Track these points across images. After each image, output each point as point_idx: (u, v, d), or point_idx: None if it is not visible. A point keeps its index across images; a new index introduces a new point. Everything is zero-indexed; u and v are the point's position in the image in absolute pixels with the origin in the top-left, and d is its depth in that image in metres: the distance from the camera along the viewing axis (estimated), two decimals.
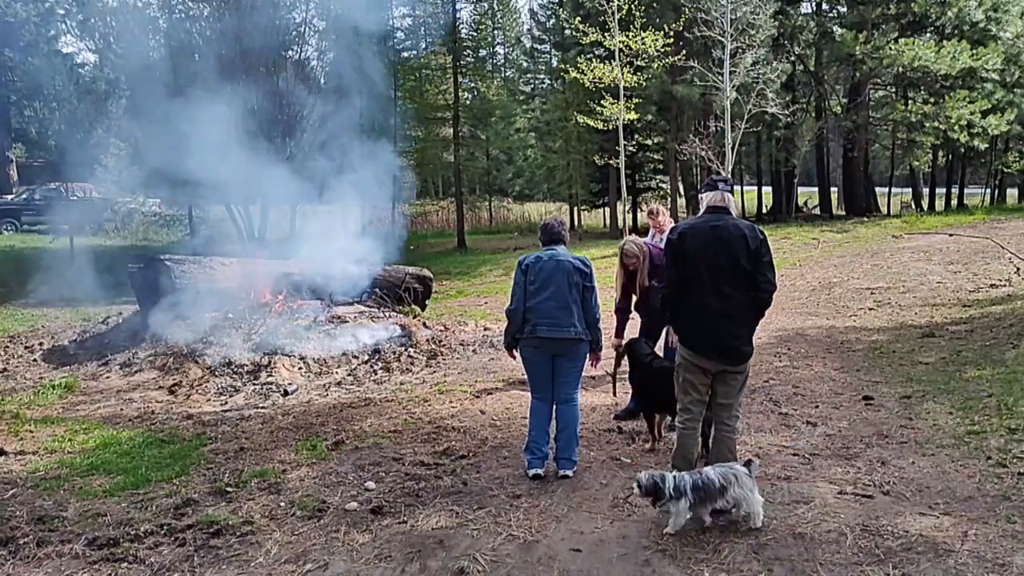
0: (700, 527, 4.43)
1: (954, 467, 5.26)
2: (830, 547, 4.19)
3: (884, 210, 28.01)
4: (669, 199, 30.09)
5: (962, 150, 25.94)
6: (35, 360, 9.88)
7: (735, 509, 4.35)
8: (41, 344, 10.62)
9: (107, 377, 8.97)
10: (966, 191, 29.71)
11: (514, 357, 5.58)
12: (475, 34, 42.52)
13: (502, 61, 46.77)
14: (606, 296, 8.82)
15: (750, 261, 4.55)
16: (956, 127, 22.45)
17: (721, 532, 4.40)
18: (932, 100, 23.60)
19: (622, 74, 20.44)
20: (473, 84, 35.05)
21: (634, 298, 6.83)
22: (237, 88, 16.45)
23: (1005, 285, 12.32)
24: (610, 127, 21.53)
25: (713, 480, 4.25)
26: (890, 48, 22.43)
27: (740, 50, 20.46)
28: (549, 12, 37.05)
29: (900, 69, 23.38)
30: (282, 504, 4.95)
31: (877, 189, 29.89)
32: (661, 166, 31.83)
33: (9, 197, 31.25)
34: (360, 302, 11.25)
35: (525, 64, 45.39)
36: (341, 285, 11.14)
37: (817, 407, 6.85)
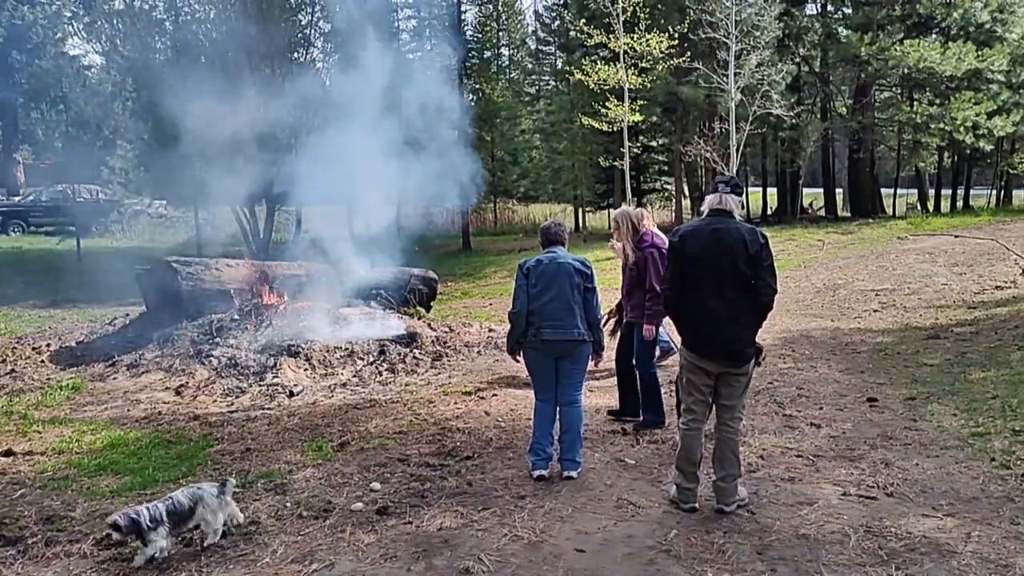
0: (704, 527, 4.46)
1: (958, 469, 5.27)
2: (834, 548, 4.20)
3: (890, 211, 27.93)
4: (674, 200, 30.07)
5: (968, 151, 25.88)
6: (42, 361, 9.93)
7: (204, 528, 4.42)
8: (48, 345, 10.67)
9: (114, 378, 9.01)
10: (972, 192, 29.65)
11: (517, 360, 5.61)
12: (480, 36, 42.56)
13: (507, 63, 46.75)
14: (611, 297, 8.85)
15: (749, 265, 4.56)
16: (962, 128, 22.39)
17: (725, 533, 4.42)
18: (938, 101, 23.52)
19: (627, 76, 20.45)
20: (478, 86, 35.08)
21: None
22: (243, 89, 16.53)
23: (1010, 287, 12.31)
24: (615, 129, 21.56)
25: (183, 503, 4.33)
26: (896, 49, 22.39)
27: (745, 51, 20.46)
28: (554, 14, 37.12)
29: (906, 70, 23.32)
30: (288, 505, 4.98)
31: (883, 190, 29.84)
32: (666, 167, 31.86)
33: (16, 198, 31.41)
34: (365, 303, 11.28)
35: (530, 66, 45.43)
36: (348, 286, 11.17)
37: (821, 408, 6.86)
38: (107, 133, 23.58)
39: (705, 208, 4.77)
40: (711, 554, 4.19)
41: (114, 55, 21.53)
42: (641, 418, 6.54)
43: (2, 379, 9.10)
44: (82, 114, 22.82)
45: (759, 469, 5.39)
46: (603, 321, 6.52)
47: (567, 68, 27.65)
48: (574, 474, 5.29)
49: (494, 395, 7.67)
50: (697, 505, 4.74)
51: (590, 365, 5.60)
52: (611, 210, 29.50)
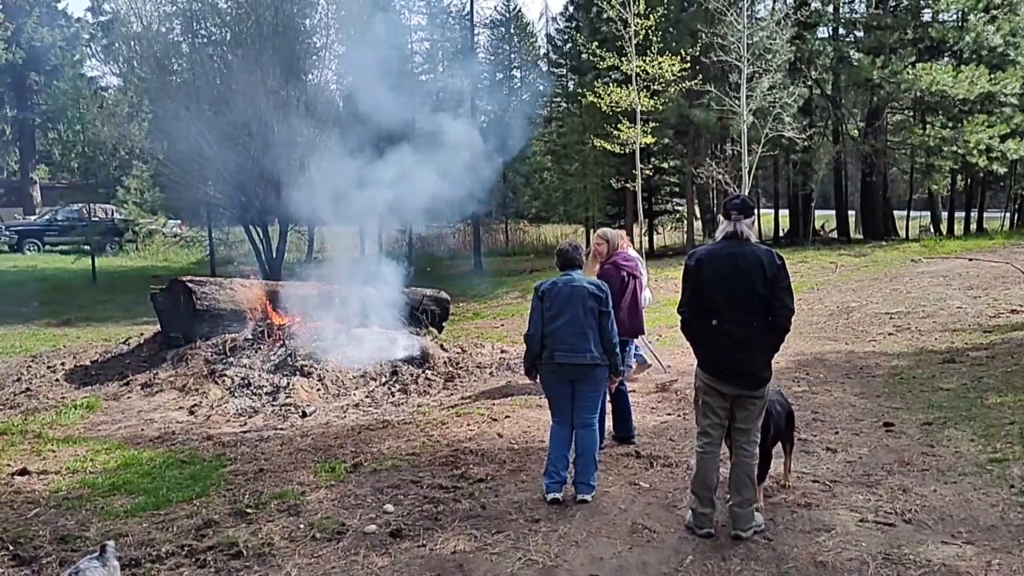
0: (720, 554, 4.42)
1: (976, 495, 5.21)
2: None
3: (903, 234, 27.83)
4: (686, 222, 30.06)
5: (981, 174, 25.79)
6: (57, 380, 9.98)
7: None
8: (63, 364, 10.73)
9: (128, 397, 9.05)
10: (985, 215, 29.52)
11: (535, 382, 5.61)
12: (492, 58, 42.82)
13: (519, 85, 46.99)
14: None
15: (767, 288, 4.56)
16: (975, 151, 22.35)
17: (742, 560, 4.38)
18: (950, 124, 23.48)
19: (639, 98, 20.49)
20: (489, 107, 35.23)
21: None
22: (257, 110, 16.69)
23: None
24: (627, 151, 21.54)
25: None
26: (908, 73, 22.40)
27: (757, 75, 20.49)
28: (566, 37, 37.30)
29: (918, 94, 23.32)
30: (301, 526, 4.97)
31: (895, 212, 29.75)
32: (678, 189, 31.82)
33: (32, 218, 31.74)
34: (379, 324, 11.28)
35: (542, 88, 45.63)
36: (360, 307, 11.18)
37: (837, 433, 6.81)
38: (123, 154, 23.84)
39: (720, 234, 4.77)
40: None
41: (131, 77, 21.81)
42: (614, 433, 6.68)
43: (17, 398, 9.16)
44: (98, 135, 23.07)
45: (775, 495, 5.34)
46: None
47: (579, 90, 27.76)
48: (588, 498, 5.26)
49: (507, 417, 7.64)
50: (713, 531, 4.70)
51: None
52: (623, 231, 29.53)
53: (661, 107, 21.51)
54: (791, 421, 5.53)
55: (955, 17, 24.67)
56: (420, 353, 10.27)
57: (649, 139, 21.60)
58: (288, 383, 9.08)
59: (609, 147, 21.56)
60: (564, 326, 5.29)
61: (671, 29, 23.79)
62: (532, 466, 6.02)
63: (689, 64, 20.66)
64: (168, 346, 10.46)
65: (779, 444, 5.47)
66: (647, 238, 30.33)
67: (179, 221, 30.29)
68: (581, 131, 28.37)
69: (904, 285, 15.61)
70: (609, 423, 6.64)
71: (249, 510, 5.24)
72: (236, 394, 8.90)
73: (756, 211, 4.96)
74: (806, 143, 23.45)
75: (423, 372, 9.75)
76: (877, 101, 25.43)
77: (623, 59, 20.45)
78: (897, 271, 17.74)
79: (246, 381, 9.15)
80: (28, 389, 9.49)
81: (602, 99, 20.87)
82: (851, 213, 32.06)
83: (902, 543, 4.52)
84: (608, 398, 6.35)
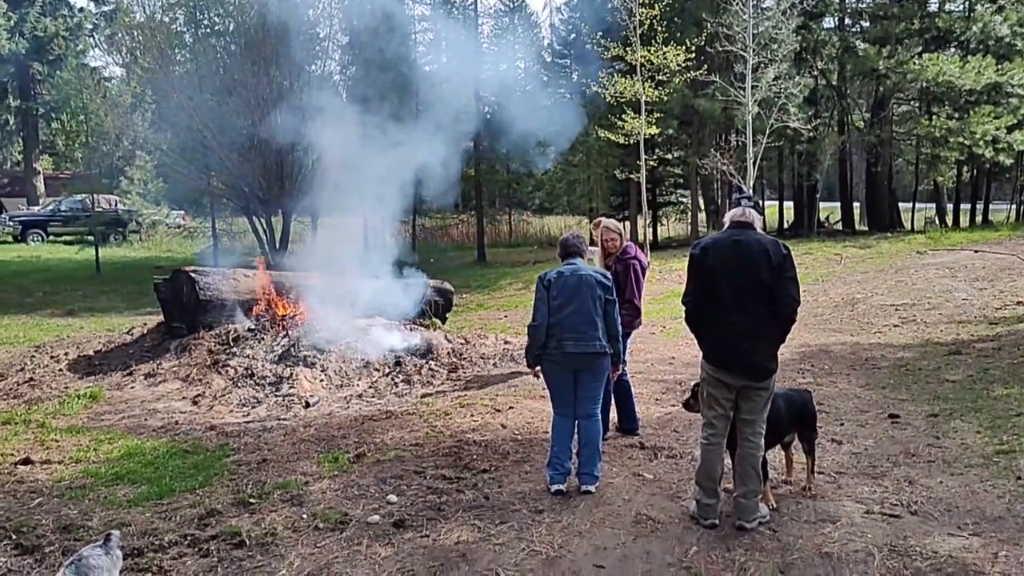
0: (725, 544, 4.40)
1: (983, 487, 5.18)
2: (858, 567, 4.13)
3: (908, 226, 27.74)
4: (690, 213, 29.98)
5: (987, 165, 25.68)
6: (61, 370, 9.97)
7: None
8: (67, 354, 10.71)
9: (131, 387, 9.04)
10: (991, 207, 29.39)
11: (537, 376, 5.57)
12: (495, 48, 42.66)
13: (522, 75, 46.84)
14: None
15: (772, 277, 4.52)
16: (981, 142, 22.25)
17: (746, 551, 4.36)
18: (956, 115, 23.39)
19: (643, 88, 20.42)
20: (493, 98, 35.08)
21: None
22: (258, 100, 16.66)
23: None
24: (631, 141, 21.52)
25: None
26: (914, 63, 22.31)
27: (762, 65, 20.42)
28: (570, 27, 37.16)
29: (924, 84, 23.26)
30: (304, 516, 4.96)
31: (901, 204, 29.63)
32: (682, 180, 31.74)
33: (36, 208, 31.74)
34: (383, 315, 11.25)
35: (546, 78, 45.46)
36: (363, 297, 11.16)
37: (842, 425, 6.78)
38: (127, 144, 23.80)
39: (726, 220, 4.73)
40: (732, 572, 4.14)
41: (134, 66, 21.75)
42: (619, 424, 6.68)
43: (21, 387, 9.14)
44: (102, 125, 23.03)
45: (780, 486, 5.32)
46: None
47: (583, 81, 27.64)
48: (592, 488, 5.24)
49: (510, 407, 7.63)
50: (717, 521, 4.68)
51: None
52: (627, 222, 29.42)
53: (666, 97, 21.43)
54: (805, 420, 5.26)
55: (962, 7, 24.57)
56: (424, 344, 10.25)
57: (653, 130, 21.54)
58: (291, 373, 9.06)
59: (613, 138, 21.51)
60: (573, 315, 5.26)
61: (676, 19, 23.69)
62: (536, 457, 6.01)
63: (694, 54, 20.59)
64: (171, 336, 10.44)
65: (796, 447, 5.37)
66: (651, 229, 30.21)
67: (182, 211, 30.27)
68: (585, 122, 28.27)
69: (909, 277, 15.55)
70: (613, 414, 6.62)
71: (252, 500, 5.23)
72: (239, 384, 8.89)
73: (761, 205, 4.93)
74: (811, 134, 23.36)
75: (427, 363, 9.73)
76: (883, 91, 25.33)
77: (628, 49, 20.37)
78: (902, 263, 17.67)
79: (249, 371, 9.13)
80: (32, 379, 9.48)
81: (606, 89, 20.79)
82: (856, 204, 31.94)
83: (908, 534, 4.49)
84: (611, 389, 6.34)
